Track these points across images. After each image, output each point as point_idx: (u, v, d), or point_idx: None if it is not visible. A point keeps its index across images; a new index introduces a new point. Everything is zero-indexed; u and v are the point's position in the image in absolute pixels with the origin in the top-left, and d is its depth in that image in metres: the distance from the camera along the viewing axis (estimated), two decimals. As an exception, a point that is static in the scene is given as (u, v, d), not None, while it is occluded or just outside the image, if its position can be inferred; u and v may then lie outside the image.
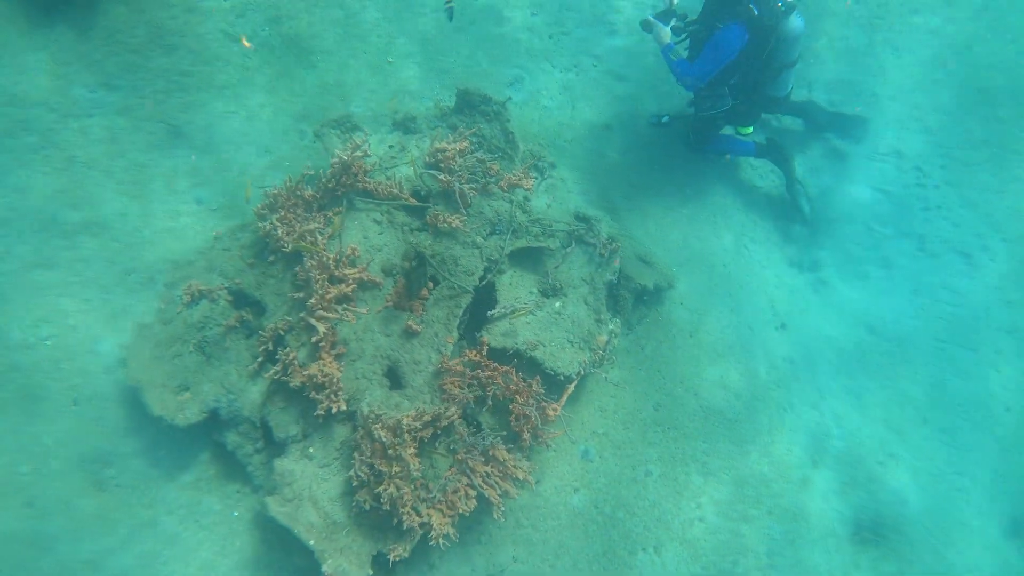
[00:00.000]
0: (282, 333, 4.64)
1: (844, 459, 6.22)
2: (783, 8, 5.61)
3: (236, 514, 4.83)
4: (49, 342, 5.03)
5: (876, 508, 6.12)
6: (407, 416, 4.27)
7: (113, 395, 5.02)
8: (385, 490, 4.07)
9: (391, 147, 5.44)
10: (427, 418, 4.32)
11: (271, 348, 4.64)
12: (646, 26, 5.93)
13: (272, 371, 4.51)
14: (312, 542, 4.17)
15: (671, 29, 5.87)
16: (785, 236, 6.79)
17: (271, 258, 4.91)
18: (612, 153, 6.44)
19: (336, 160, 4.91)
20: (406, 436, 4.16)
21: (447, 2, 4.98)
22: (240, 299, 4.97)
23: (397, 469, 4.11)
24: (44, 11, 5.36)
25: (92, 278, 5.22)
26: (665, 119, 6.44)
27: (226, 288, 4.98)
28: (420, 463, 4.18)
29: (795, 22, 5.70)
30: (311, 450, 4.47)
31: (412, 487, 4.16)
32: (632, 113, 6.62)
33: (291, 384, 4.44)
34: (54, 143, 5.36)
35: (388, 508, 4.09)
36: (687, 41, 6.01)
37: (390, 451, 4.14)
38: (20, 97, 5.28)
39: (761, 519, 5.67)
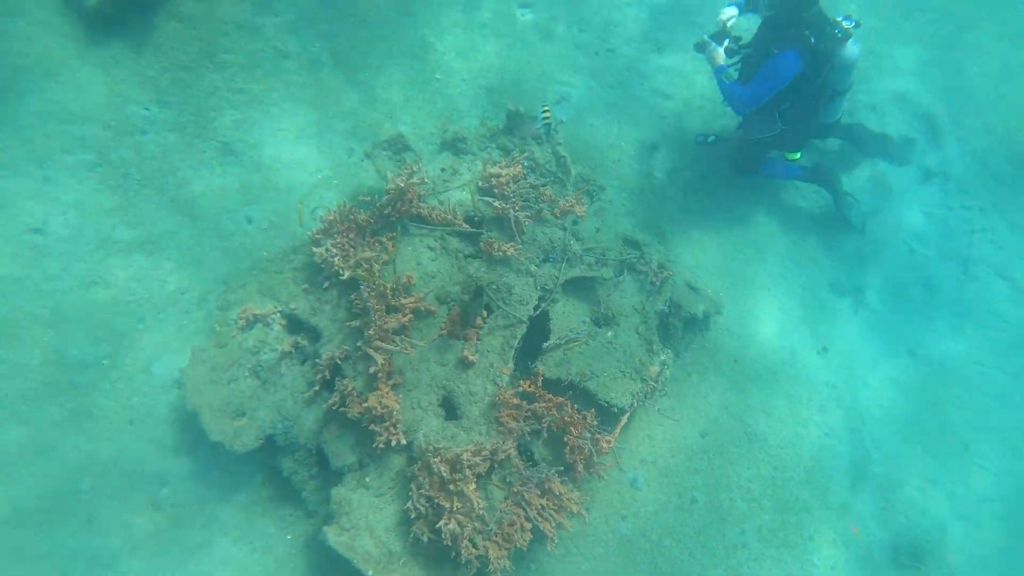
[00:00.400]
0: (339, 362, 4.68)
1: (883, 484, 6.22)
2: (840, 35, 5.55)
3: (289, 537, 4.90)
4: (106, 361, 5.09)
5: (914, 534, 6.14)
6: (466, 451, 4.31)
7: (167, 415, 5.08)
8: (446, 525, 4.11)
9: (443, 170, 5.44)
10: (485, 453, 4.36)
11: (328, 376, 4.67)
12: (700, 47, 5.88)
13: (330, 401, 4.55)
14: (370, 573, 4.22)
15: (724, 51, 5.82)
16: (828, 257, 6.75)
17: (325, 284, 4.93)
18: (658, 174, 6.42)
19: (392, 187, 4.92)
20: (467, 472, 4.19)
21: (544, 118, 4.91)
22: (294, 324, 5.01)
23: (459, 505, 4.15)
24: (102, 28, 5.37)
25: (146, 297, 5.27)
26: (711, 139, 6.39)
27: (279, 312, 5.02)
28: (481, 500, 4.22)
29: (851, 49, 5.63)
30: (367, 479, 4.52)
31: (472, 522, 4.21)
32: (678, 133, 6.58)
33: (349, 415, 4.48)
34: (109, 160, 5.39)
35: (449, 543, 4.13)
36: (739, 63, 5.96)
37: (451, 486, 4.18)
38: (78, 114, 5.31)
39: (802, 545, 5.69)
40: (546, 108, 4.89)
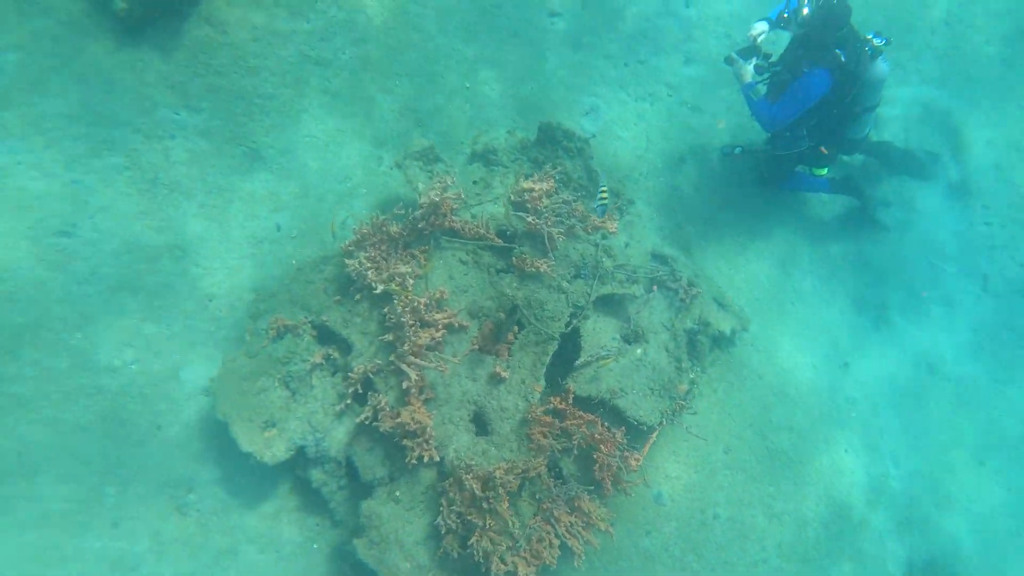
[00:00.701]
0: (371, 376, 4.68)
1: (900, 500, 6.27)
2: (870, 53, 5.53)
3: (316, 546, 4.92)
4: (134, 366, 5.09)
5: (930, 550, 6.19)
6: (499, 469, 4.32)
7: (195, 421, 5.09)
8: (478, 542, 4.14)
9: (475, 182, 5.42)
10: (518, 470, 4.37)
11: (359, 390, 4.67)
12: (729, 61, 5.85)
13: (363, 415, 4.56)
14: (400, 586, 4.25)
15: (753, 68, 5.79)
16: (851, 272, 6.76)
17: (357, 296, 4.92)
18: (686, 187, 6.41)
19: (426, 200, 4.90)
20: (499, 490, 4.21)
21: (601, 199, 4.83)
22: (325, 335, 5.00)
23: (492, 523, 4.17)
24: (132, 31, 5.33)
25: (174, 303, 5.26)
26: (738, 151, 6.36)
27: (310, 323, 5.01)
28: (515, 519, 4.24)
29: (880, 67, 5.62)
30: (398, 493, 4.53)
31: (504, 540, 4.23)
32: (706, 145, 6.57)
33: (381, 429, 4.49)
34: (138, 164, 5.36)
35: (480, 560, 4.16)
36: (767, 80, 5.93)
37: (484, 504, 4.19)
38: (107, 118, 5.28)
39: (819, 560, 5.75)
40: (604, 189, 4.84)
